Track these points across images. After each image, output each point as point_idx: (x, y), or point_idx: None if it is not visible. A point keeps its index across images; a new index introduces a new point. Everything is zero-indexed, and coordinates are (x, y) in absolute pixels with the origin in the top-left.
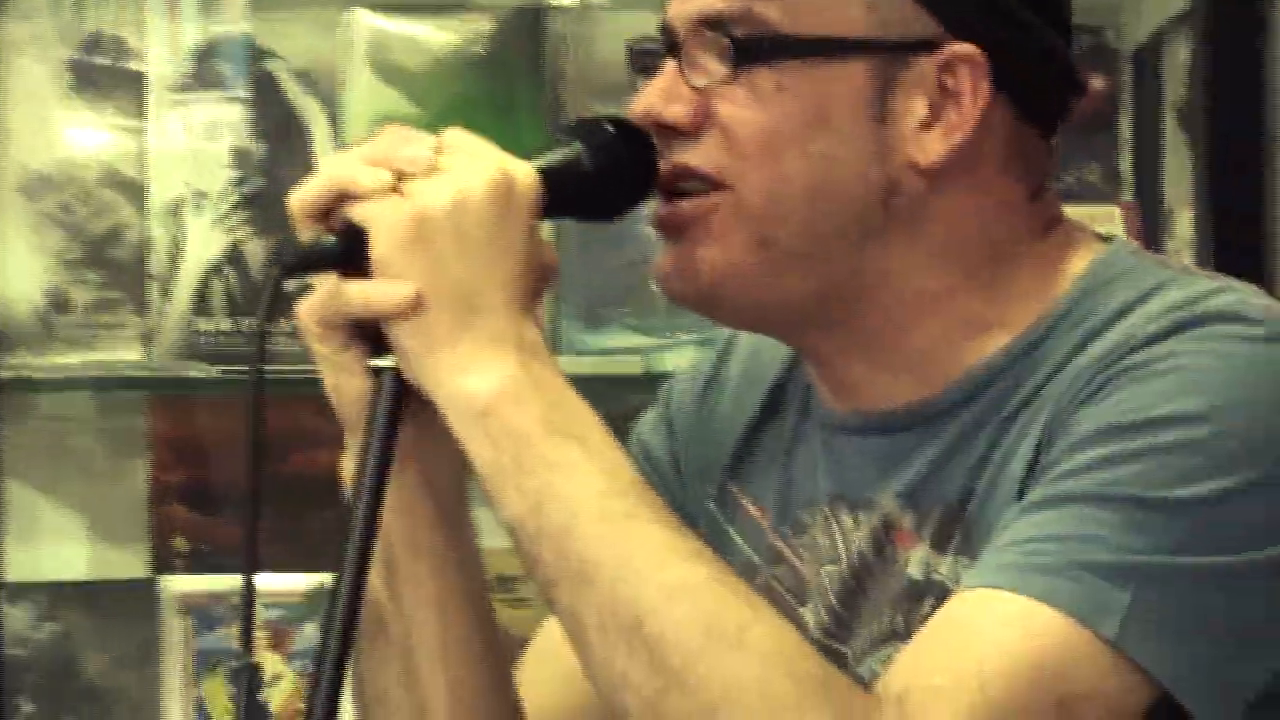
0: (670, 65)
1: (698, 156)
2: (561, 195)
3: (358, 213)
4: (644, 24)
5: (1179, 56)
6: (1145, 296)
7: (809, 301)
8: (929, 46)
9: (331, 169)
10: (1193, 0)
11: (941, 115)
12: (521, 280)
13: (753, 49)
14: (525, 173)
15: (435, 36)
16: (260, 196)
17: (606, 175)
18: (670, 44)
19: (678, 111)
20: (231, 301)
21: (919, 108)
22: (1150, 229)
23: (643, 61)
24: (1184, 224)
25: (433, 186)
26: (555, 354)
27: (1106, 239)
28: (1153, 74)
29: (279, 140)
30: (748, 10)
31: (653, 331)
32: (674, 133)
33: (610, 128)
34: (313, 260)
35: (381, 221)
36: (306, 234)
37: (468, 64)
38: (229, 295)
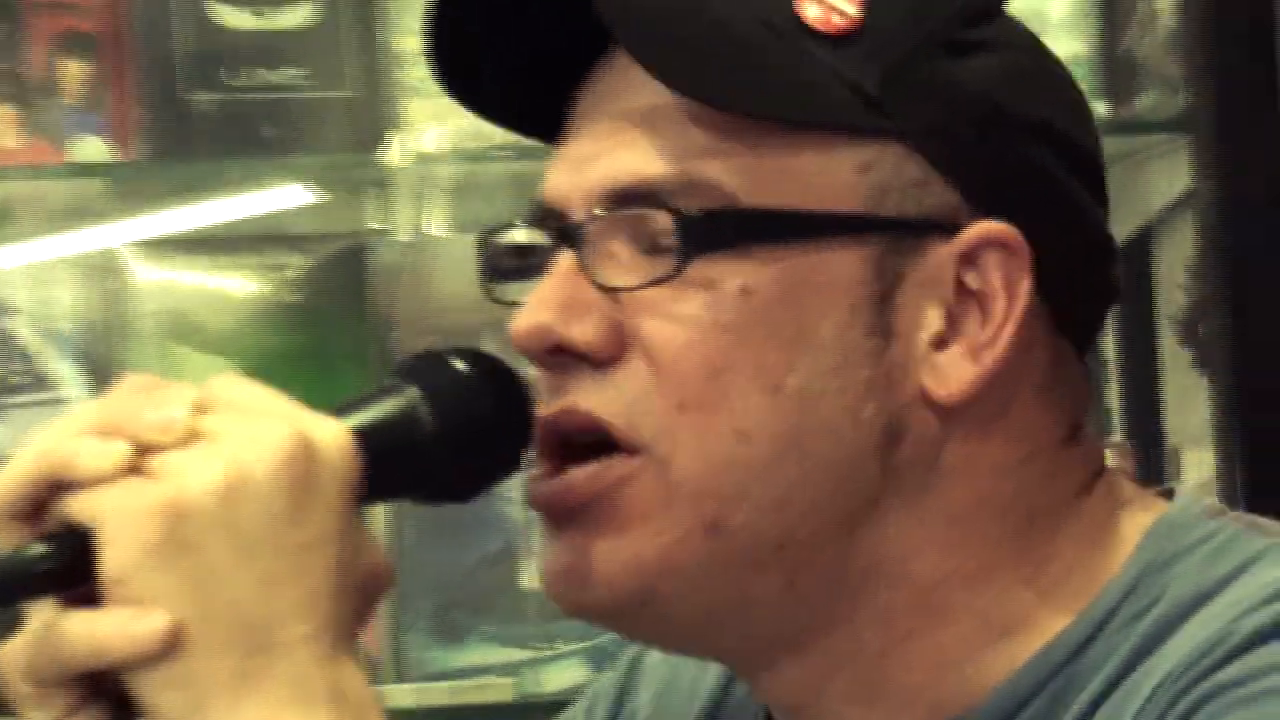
0: (564, 261)
1: (605, 400)
2: (392, 467)
3: (80, 507)
4: None
5: (1175, 254)
6: (1234, 575)
7: (775, 612)
8: (946, 226)
9: (42, 444)
10: (1194, 179)
11: (962, 327)
12: (333, 600)
13: (707, 231)
14: (334, 437)
15: (234, 283)
16: None
17: (458, 436)
18: (562, 231)
19: (585, 331)
20: None
21: (933, 317)
22: (1150, 476)
23: (508, 260)
24: (1197, 467)
25: (193, 463)
26: (397, 680)
27: (1167, 493)
28: (1141, 278)
29: None
30: (690, 177)
31: (524, 643)
32: (570, 363)
33: (462, 365)
34: (13, 582)
35: (116, 519)
36: (4, 542)
37: (276, 309)
38: None
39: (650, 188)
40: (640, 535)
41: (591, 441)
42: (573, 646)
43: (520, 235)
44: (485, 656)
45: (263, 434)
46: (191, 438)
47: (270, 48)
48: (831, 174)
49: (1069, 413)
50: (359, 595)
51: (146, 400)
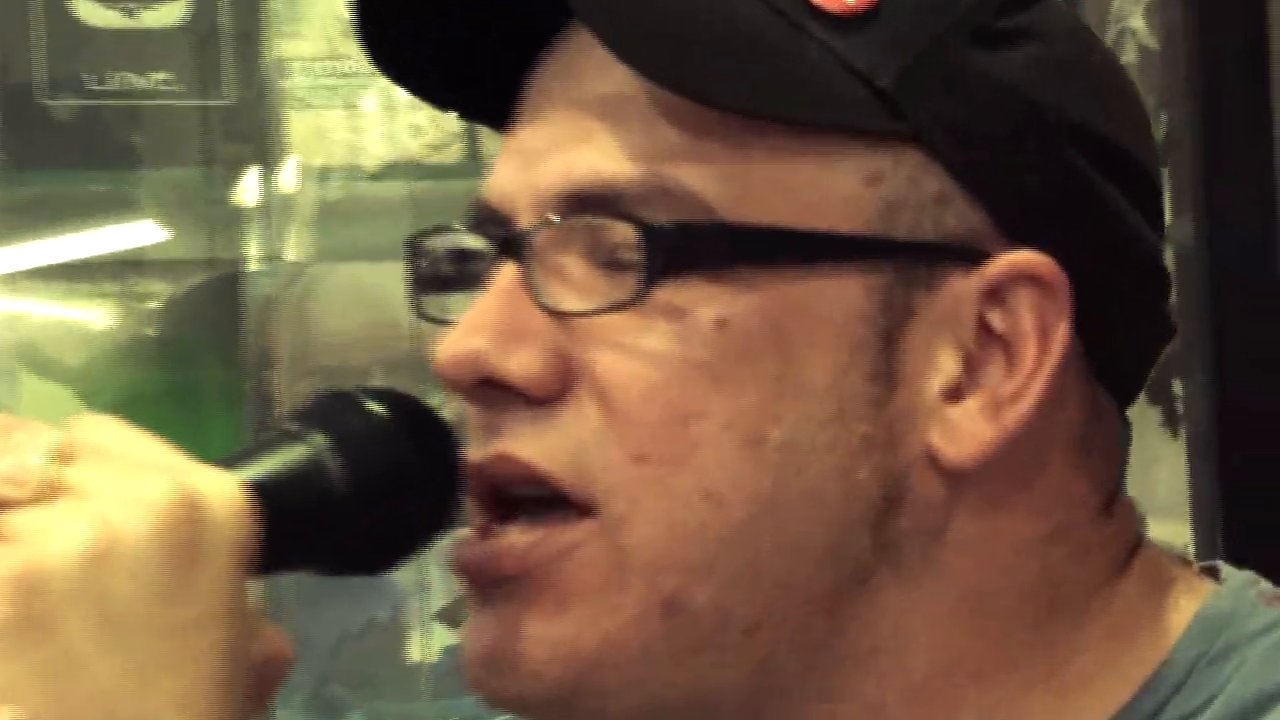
0: (505, 277)
1: (545, 446)
2: (294, 532)
3: None
4: (383, 279)
5: None
6: None
7: (740, 707)
8: (969, 254)
9: None
10: (1170, 216)
11: (982, 376)
12: (220, 691)
13: (677, 248)
14: (224, 494)
15: (92, 314)
16: None
17: (374, 494)
18: (505, 239)
19: (525, 363)
20: None
21: (947, 362)
22: None
23: (443, 268)
24: (1168, 541)
25: (50, 524)
26: None
27: (1212, 570)
28: None
29: None
30: (660, 181)
31: None
32: (504, 400)
33: (377, 407)
34: None
35: None
36: None
37: (139, 343)
38: None
39: (611, 192)
40: (582, 615)
41: (530, 495)
42: None
43: (459, 239)
44: None
45: (137, 489)
46: (49, 492)
47: (138, 49)
48: (833, 186)
49: (1104, 479)
50: (251, 685)
51: None
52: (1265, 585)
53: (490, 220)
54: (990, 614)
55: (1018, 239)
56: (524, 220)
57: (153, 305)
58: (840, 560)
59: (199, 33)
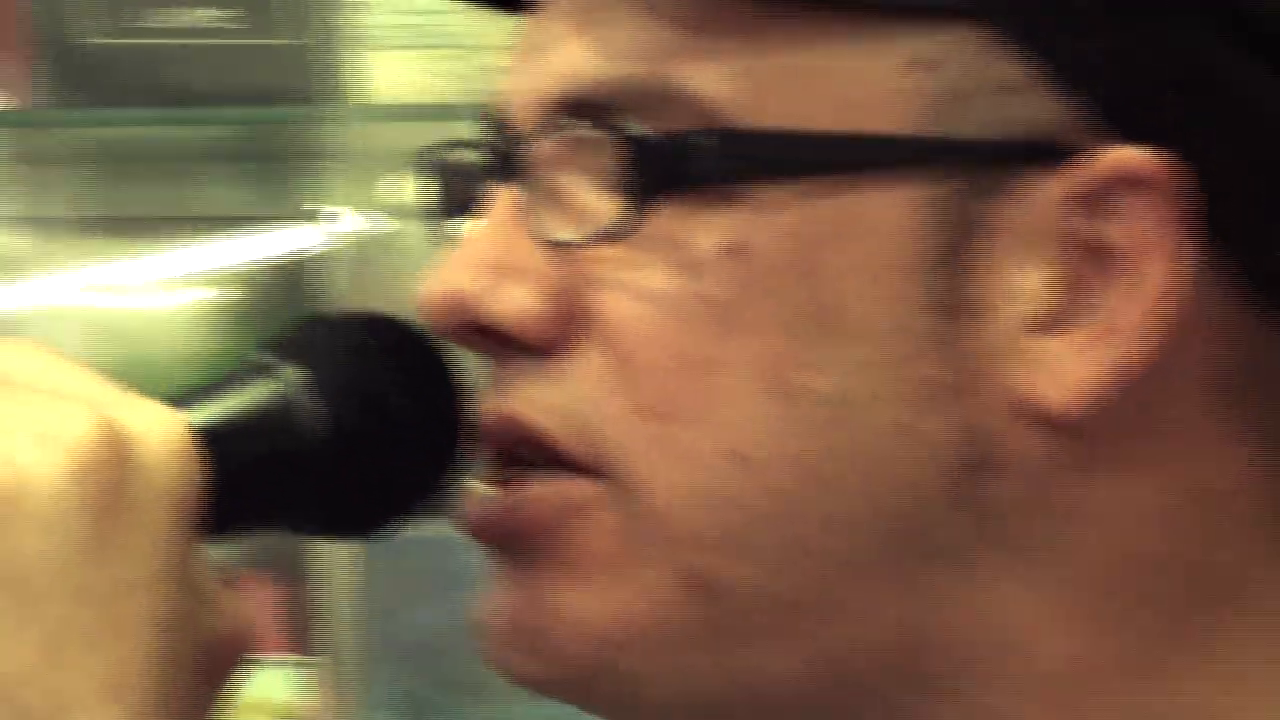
0: (502, 201)
1: (546, 402)
2: (258, 483)
3: None
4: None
5: None
6: None
7: (806, 701)
8: (1054, 151)
9: None
10: None
11: (1081, 301)
12: (154, 672)
13: (675, 163)
14: (162, 433)
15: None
16: None
17: (359, 438)
18: (502, 154)
19: (515, 304)
20: None
21: (1031, 286)
22: None
23: (459, 188)
24: None
25: None
26: None
27: None
28: None
29: None
30: (661, 83)
31: None
32: (506, 350)
33: (364, 337)
34: None
35: None
36: None
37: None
38: None
39: (604, 96)
40: (601, 586)
41: (542, 456)
42: None
43: (468, 154)
44: None
45: (50, 424)
46: None
47: None
48: (873, 77)
49: (1264, 427)
50: (198, 667)
51: None
52: None
53: (492, 131)
54: (1124, 600)
55: (1124, 133)
56: (524, 131)
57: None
58: (915, 535)
59: None
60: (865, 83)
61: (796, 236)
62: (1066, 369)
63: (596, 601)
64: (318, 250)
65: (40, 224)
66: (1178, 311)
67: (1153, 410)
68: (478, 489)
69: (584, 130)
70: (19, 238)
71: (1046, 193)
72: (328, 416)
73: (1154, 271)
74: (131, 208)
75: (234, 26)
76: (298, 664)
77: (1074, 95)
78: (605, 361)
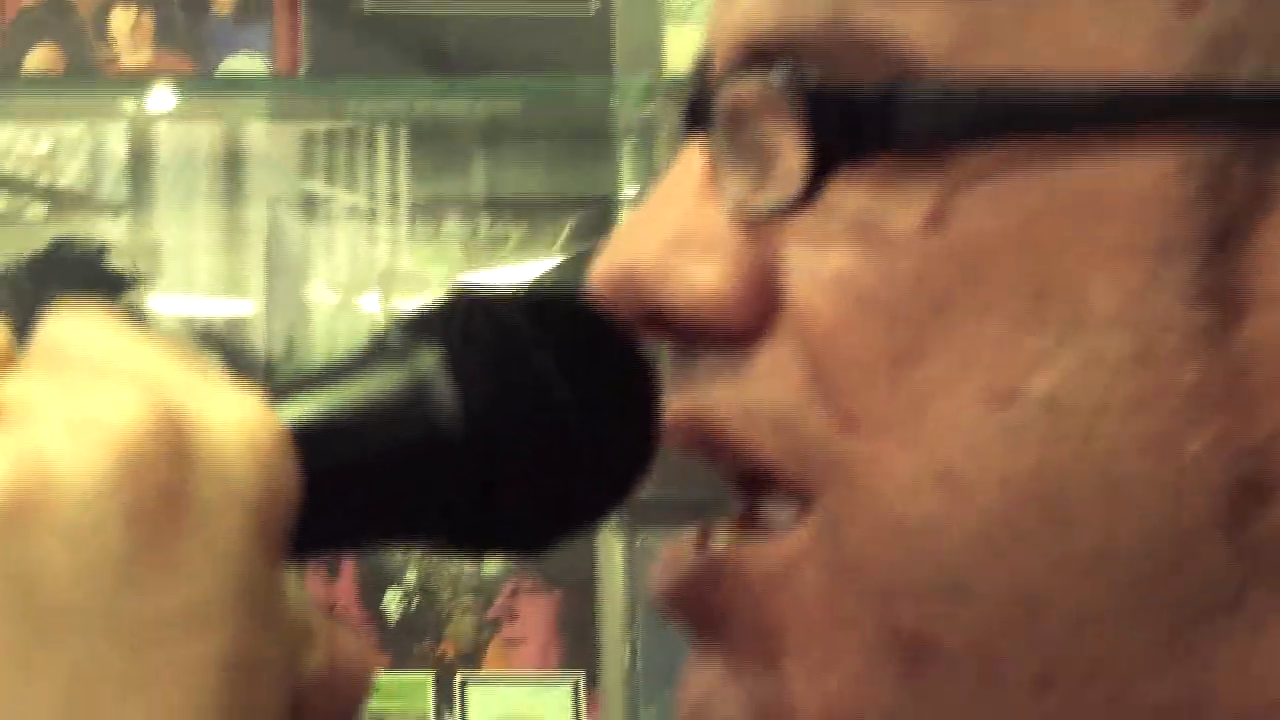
0: (690, 158)
1: (744, 404)
2: (374, 489)
3: None
4: None
5: None
6: None
7: None
8: None
9: None
10: None
11: None
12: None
13: (874, 121)
14: (237, 425)
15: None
16: None
17: (501, 435)
18: (693, 101)
19: (699, 283)
20: None
21: None
22: None
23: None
24: None
25: None
26: None
27: None
28: None
29: None
30: (848, 27)
31: None
32: (692, 337)
33: (517, 316)
34: None
35: None
36: None
37: None
38: None
39: (789, 41)
40: (796, 671)
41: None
42: None
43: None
44: None
45: (92, 407)
46: None
47: None
48: (1125, 15)
49: None
50: (302, 716)
51: None
52: None
53: (695, 79)
54: None
55: None
56: (716, 75)
57: (509, 249)
58: (1174, 577)
59: None
60: (1111, 20)
61: (1019, 207)
62: None
63: (791, 688)
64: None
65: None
66: None
67: None
68: (667, 546)
69: (755, 82)
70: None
71: None
72: (465, 407)
73: None
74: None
75: None
76: (569, 681)
77: None
78: (800, 356)
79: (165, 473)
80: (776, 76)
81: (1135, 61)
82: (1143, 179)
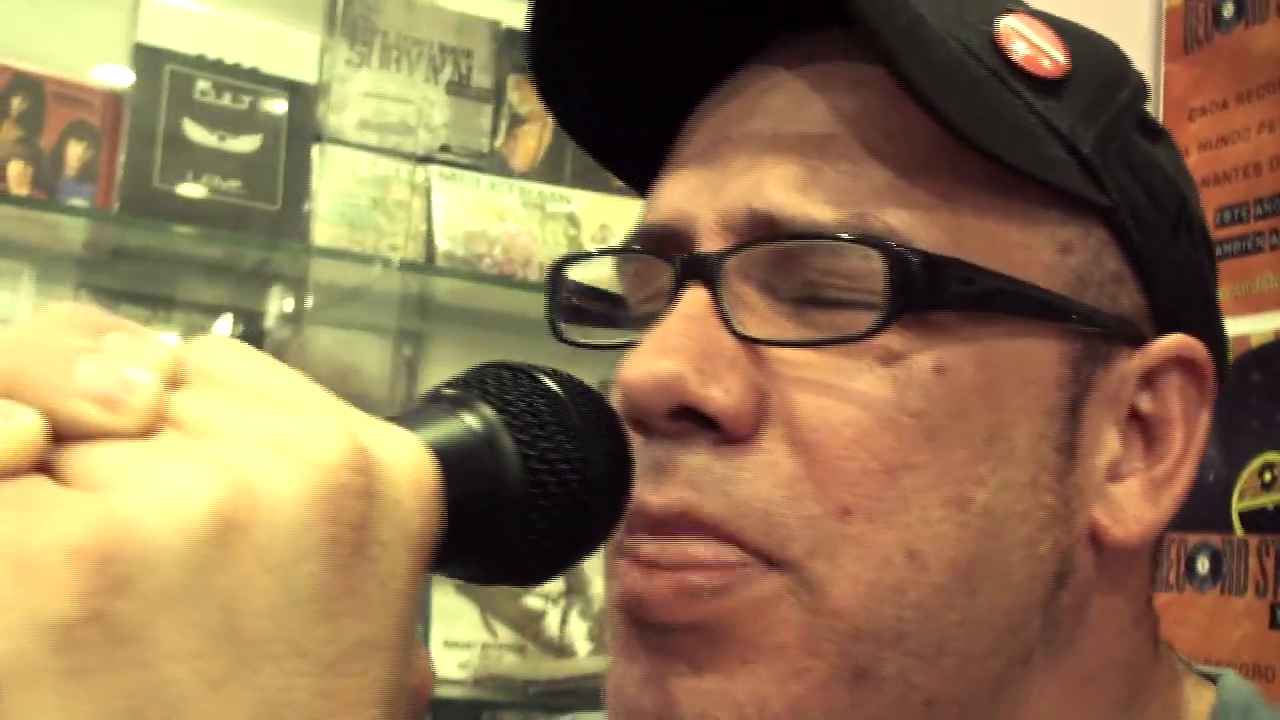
0: (694, 301)
1: (735, 497)
2: (465, 521)
3: None
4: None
5: None
6: None
7: None
8: (1134, 336)
9: None
10: None
11: (1132, 457)
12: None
13: (920, 285)
14: (408, 460)
15: None
16: None
17: (550, 484)
18: (691, 261)
19: (728, 392)
20: None
21: (1110, 440)
22: None
23: (586, 302)
24: None
25: (156, 471)
26: None
27: (1208, 676)
28: None
29: None
30: (866, 224)
31: None
32: (689, 434)
33: (559, 389)
34: None
35: None
36: None
37: None
38: None
39: (815, 231)
40: (768, 676)
41: (699, 548)
42: None
43: (602, 274)
44: None
45: (296, 436)
46: (156, 426)
47: (221, 162)
48: (1035, 250)
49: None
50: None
51: (81, 346)
52: (1254, 688)
53: (666, 241)
54: (1096, 695)
55: (1166, 326)
56: (707, 244)
57: None
58: (1014, 640)
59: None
60: (1028, 250)
61: (986, 367)
62: (1129, 511)
63: (764, 688)
64: None
65: None
66: (1192, 472)
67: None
68: (618, 554)
69: (839, 246)
70: None
71: (1127, 366)
72: (523, 459)
73: (1176, 439)
74: None
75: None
76: None
77: (1147, 292)
78: (798, 459)
79: (360, 507)
80: (876, 250)
81: (1039, 280)
82: (1046, 359)
